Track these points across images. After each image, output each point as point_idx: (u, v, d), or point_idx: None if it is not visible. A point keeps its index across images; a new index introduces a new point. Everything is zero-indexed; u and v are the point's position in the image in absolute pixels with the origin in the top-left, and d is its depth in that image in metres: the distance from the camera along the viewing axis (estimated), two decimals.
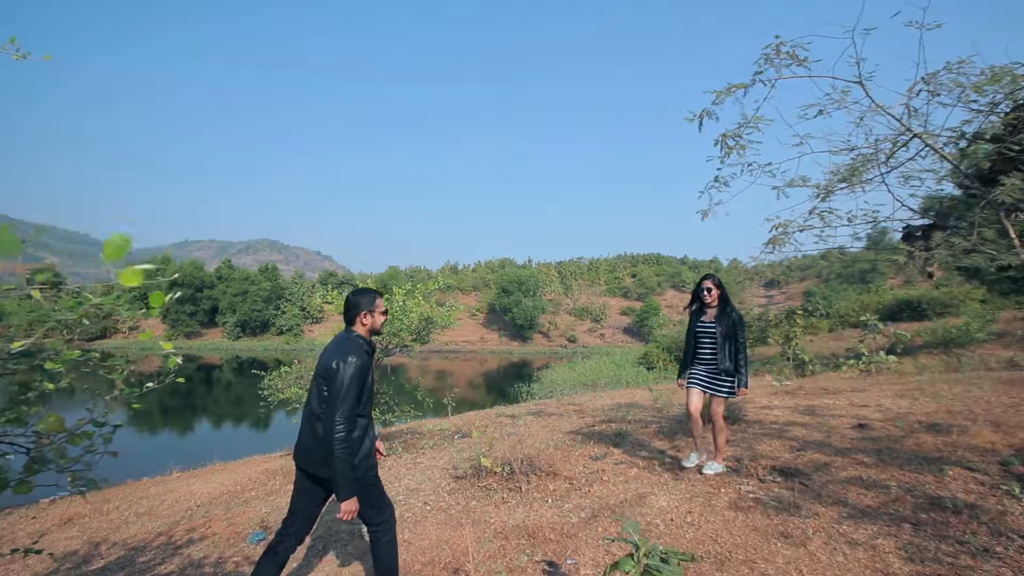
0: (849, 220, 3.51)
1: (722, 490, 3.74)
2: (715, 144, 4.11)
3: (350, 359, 2.39)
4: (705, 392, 3.95)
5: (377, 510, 2.57)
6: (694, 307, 4.14)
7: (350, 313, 2.60)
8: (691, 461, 4.06)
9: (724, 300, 3.99)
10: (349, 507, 2.36)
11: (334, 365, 2.37)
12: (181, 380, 1.44)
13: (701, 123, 4.06)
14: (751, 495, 3.58)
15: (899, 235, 3.98)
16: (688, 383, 4.04)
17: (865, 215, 3.51)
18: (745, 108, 4.00)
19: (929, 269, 3.24)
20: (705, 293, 3.98)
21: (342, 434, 2.31)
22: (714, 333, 3.89)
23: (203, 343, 65.33)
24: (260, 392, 6.84)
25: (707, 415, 4.04)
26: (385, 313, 2.71)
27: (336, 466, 2.31)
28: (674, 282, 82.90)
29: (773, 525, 3.11)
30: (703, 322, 4.00)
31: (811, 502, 3.36)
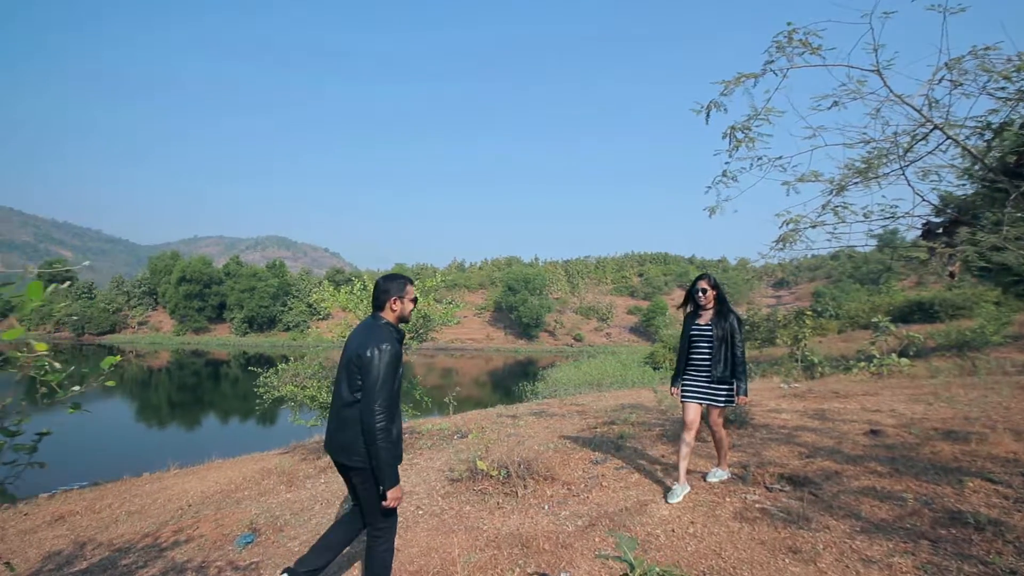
0: (865, 216, 3.32)
1: (727, 499, 3.56)
2: (723, 137, 3.93)
3: (384, 346, 2.33)
4: (702, 404, 3.67)
5: (384, 513, 2.49)
6: (688, 309, 3.85)
7: (380, 299, 2.54)
8: (676, 496, 3.62)
9: (721, 301, 3.70)
10: (395, 494, 2.36)
11: (368, 353, 2.32)
12: (111, 383, 1.31)
13: (708, 115, 3.88)
14: (757, 505, 3.40)
15: (912, 233, 3.78)
16: (683, 395, 3.74)
17: (882, 210, 3.31)
18: (755, 99, 3.81)
19: (951, 268, 3.04)
20: (700, 294, 3.67)
21: (382, 423, 2.28)
22: (710, 337, 3.60)
23: (211, 338, 65.81)
24: (255, 389, 6.74)
25: (706, 424, 3.80)
26: (415, 300, 2.65)
27: (379, 455, 2.29)
28: (681, 282, 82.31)
29: (781, 539, 2.93)
30: (698, 325, 3.71)
31: (821, 514, 3.18)
